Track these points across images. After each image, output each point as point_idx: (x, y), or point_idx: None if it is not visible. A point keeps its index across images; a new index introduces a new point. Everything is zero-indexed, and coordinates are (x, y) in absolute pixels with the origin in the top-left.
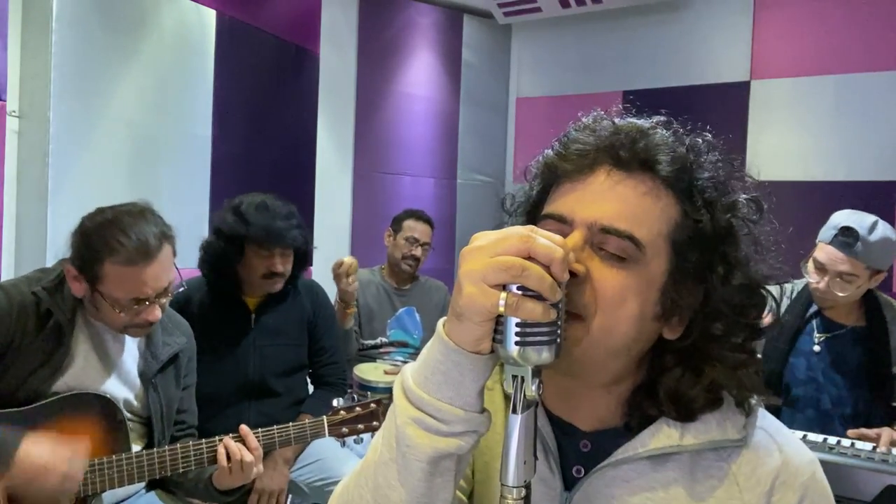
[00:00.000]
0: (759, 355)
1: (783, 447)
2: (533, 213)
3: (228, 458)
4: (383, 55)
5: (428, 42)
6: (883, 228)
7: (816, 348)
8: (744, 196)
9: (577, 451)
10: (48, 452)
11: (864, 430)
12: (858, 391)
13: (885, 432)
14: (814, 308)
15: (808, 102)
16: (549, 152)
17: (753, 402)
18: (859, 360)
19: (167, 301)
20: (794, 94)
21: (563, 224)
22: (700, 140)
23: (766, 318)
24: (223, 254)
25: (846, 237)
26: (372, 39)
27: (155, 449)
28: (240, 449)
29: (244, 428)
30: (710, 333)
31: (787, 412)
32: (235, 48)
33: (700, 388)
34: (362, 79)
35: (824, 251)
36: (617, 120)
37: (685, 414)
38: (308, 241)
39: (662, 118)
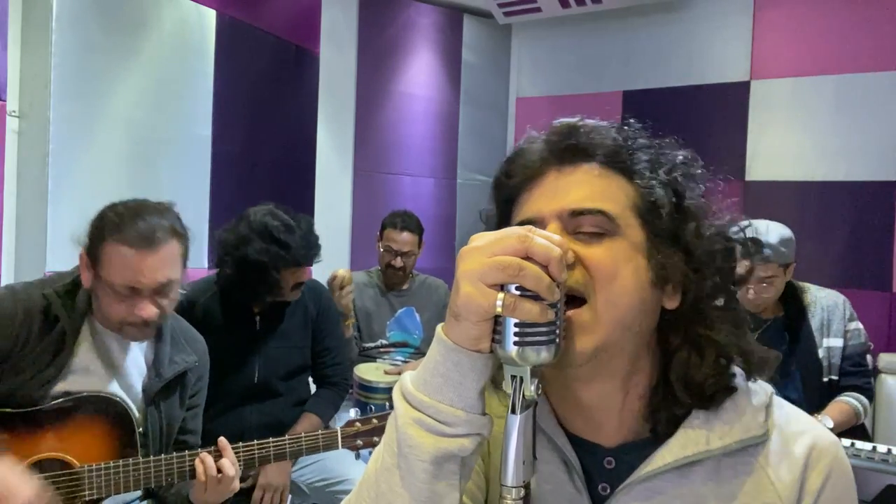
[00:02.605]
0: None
1: (805, 432)
2: None
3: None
4: (383, 55)
5: (428, 42)
6: (776, 228)
7: None
8: (680, 154)
9: (600, 469)
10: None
11: None
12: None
13: None
14: None
15: (808, 102)
16: (498, 176)
17: (763, 378)
18: (788, 348)
19: (168, 304)
20: (794, 94)
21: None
22: (627, 126)
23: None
24: (261, 281)
25: (751, 248)
26: (372, 39)
27: (131, 460)
28: (219, 464)
29: (222, 441)
30: (702, 294)
31: None
32: (235, 48)
33: (707, 365)
34: (362, 79)
35: (740, 266)
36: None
37: (700, 397)
38: None
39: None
